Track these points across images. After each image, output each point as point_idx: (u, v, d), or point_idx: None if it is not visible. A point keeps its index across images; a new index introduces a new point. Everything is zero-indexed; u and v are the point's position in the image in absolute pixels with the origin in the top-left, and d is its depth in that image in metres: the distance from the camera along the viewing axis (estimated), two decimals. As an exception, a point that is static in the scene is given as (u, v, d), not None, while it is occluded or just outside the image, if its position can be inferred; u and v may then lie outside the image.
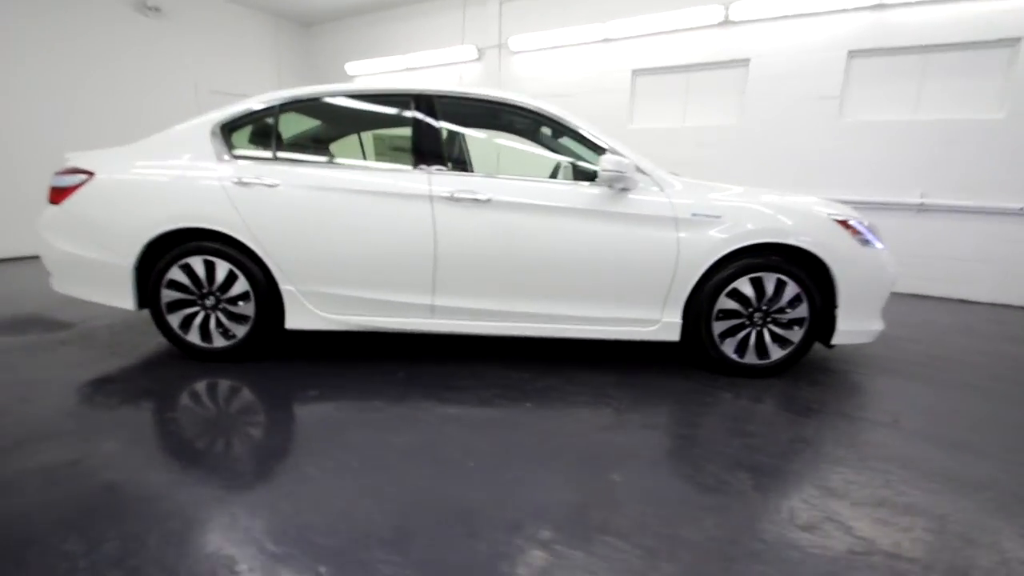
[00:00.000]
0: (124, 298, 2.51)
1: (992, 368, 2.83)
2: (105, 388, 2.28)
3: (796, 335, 2.49)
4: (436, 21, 7.17)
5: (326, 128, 2.97)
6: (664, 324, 2.48)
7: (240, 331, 2.53)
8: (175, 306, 2.50)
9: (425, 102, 2.50)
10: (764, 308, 2.46)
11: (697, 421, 2.13)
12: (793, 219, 2.42)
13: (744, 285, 2.43)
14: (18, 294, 4.05)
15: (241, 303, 2.49)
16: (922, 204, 4.57)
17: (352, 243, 2.41)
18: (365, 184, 2.40)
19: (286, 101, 2.57)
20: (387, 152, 4.08)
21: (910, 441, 1.99)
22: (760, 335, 2.50)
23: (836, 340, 2.49)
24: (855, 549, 1.38)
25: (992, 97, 4.22)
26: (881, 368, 2.79)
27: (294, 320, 2.51)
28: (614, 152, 2.42)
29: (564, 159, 2.96)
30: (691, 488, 1.64)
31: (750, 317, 2.48)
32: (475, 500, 1.54)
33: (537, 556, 1.31)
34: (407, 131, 2.61)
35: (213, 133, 2.51)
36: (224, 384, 2.36)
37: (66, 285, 2.60)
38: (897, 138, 4.60)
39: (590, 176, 2.51)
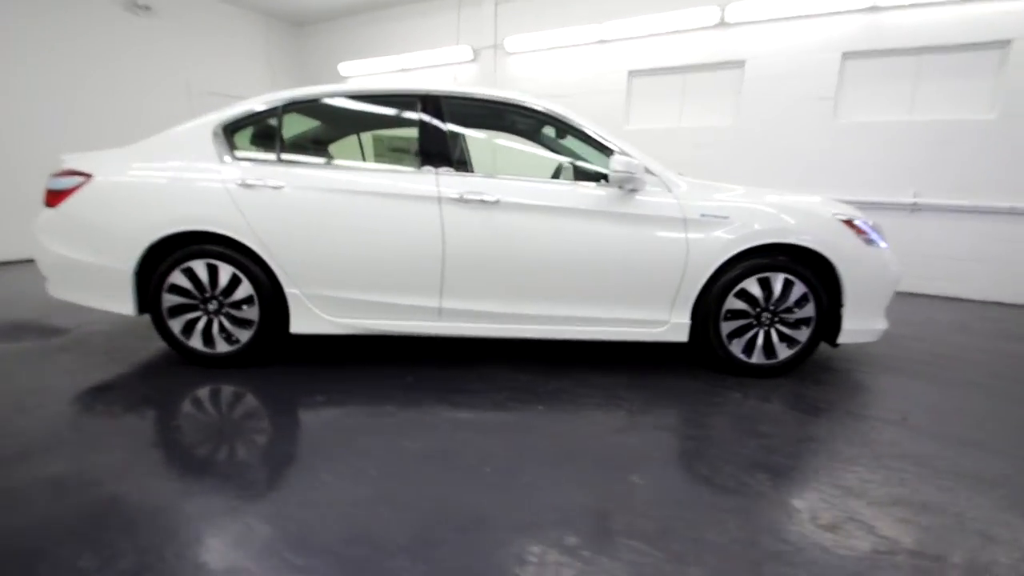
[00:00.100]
0: (124, 303, 2.45)
1: (993, 366, 2.88)
2: (106, 396, 2.22)
3: (803, 335, 2.51)
4: (431, 21, 7.13)
5: (331, 129, 2.93)
6: (673, 325, 2.48)
7: (244, 336, 2.48)
8: (177, 311, 2.45)
9: (432, 103, 2.48)
10: (772, 308, 2.47)
11: (710, 422, 2.14)
12: (799, 219, 2.43)
13: (752, 285, 2.44)
14: (11, 299, 3.95)
15: (245, 307, 2.44)
16: (915, 204, 4.64)
17: (359, 245, 2.38)
18: (373, 186, 2.37)
19: (289, 102, 2.53)
20: (386, 153, 4.05)
21: (919, 439, 2.01)
22: (768, 335, 2.52)
23: (842, 339, 2.51)
24: (879, 548, 1.38)
25: (984, 98, 4.29)
26: (884, 366, 2.82)
27: (299, 324, 2.47)
28: (623, 153, 2.42)
29: (566, 160, 2.96)
30: (711, 490, 1.64)
31: (758, 317, 2.49)
32: (495, 506, 1.52)
33: (565, 563, 1.29)
34: (413, 132, 2.58)
35: (215, 134, 2.46)
36: (229, 390, 2.31)
37: (63, 290, 2.53)
38: (891, 139, 4.66)
39: (593, 177, 2.51)
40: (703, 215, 2.38)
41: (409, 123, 2.58)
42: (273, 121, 2.52)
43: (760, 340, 2.52)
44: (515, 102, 2.56)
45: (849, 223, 2.47)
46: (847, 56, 4.74)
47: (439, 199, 2.35)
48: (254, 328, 2.47)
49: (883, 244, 2.53)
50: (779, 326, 2.50)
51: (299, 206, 2.36)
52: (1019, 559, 1.36)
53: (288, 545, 1.34)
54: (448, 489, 1.61)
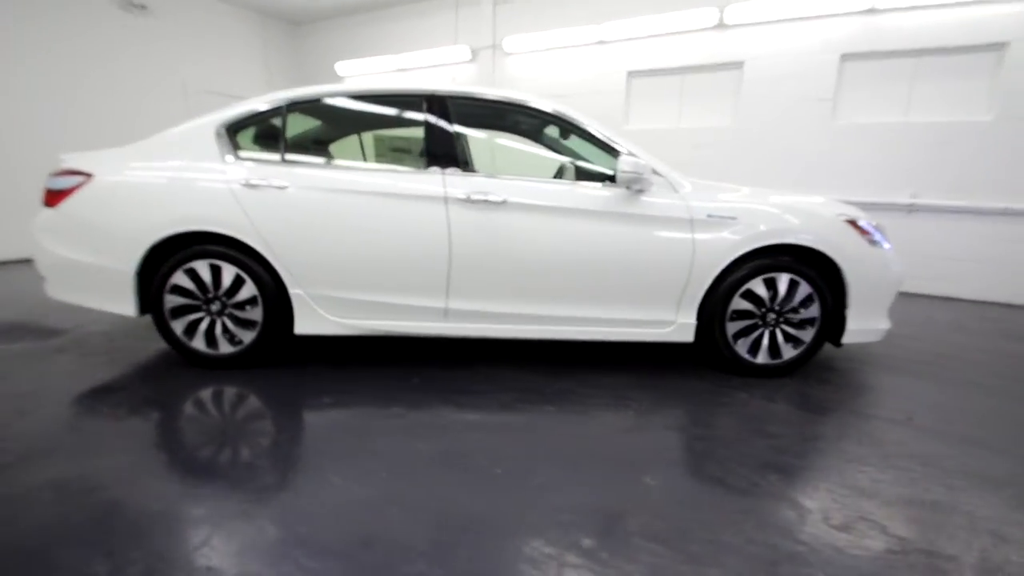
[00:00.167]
0: (125, 304, 2.41)
1: (993, 366, 2.90)
2: (108, 398, 2.19)
3: (808, 335, 2.52)
4: (429, 21, 7.11)
5: (335, 129, 2.91)
6: (679, 325, 2.49)
7: (247, 337, 2.46)
8: (179, 312, 2.42)
9: (438, 103, 2.46)
10: (777, 308, 2.48)
11: (718, 422, 2.14)
12: (804, 220, 2.44)
13: (758, 286, 2.45)
14: (7, 299, 3.89)
15: (248, 308, 2.42)
16: (912, 204, 4.68)
17: (365, 246, 2.36)
18: (379, 186, 2.35)
19: (293, 101, 2.50)
20: (387, 153, 4.03)
21: (925, 438, 2.02)
22: (773, 335, 2.53)
23: (846, 339, 2.52)
24: (893, 548, 1.39)
25: (981, 100, 4.34)
26: (885, 366, 2.84)
27: (303, 325, 2.45)
28: (630, 154, 2.42)
29: (567, 160, 2.96)
30: (724, 491, 1.64)
31: (763, 317, 2.50)
32: (509, 508, 1.51)
33: (583, 565, 1.29)
34: (415, 132, 2.57)
35: (218, 134, 2.44)
36: (235, 392, 2.29)
37: (62, 291, 2.49)
38: (888, 140, 4.70)
39: (596, 177, 2.52)
40: (710, 216, 2.39)
41: (414, 123, 2.56)
42: (277, 121, 2.50)
43: (766, 340, 2.53)
44: (522, 103, 2.55)
45: (853, 224, 2.48)
46: (845, 58, 4.78)
47: (445, 199, 2.33)
48: (257, 329, 2.45)
49: (886, 245, 2.55)
50: (784, 326, 2.51)
51: (304, 206, 2.34)
52: (1031, 558, 1.37)
53: (302, 549, 1.32)
54: (460, 491, 1.60)
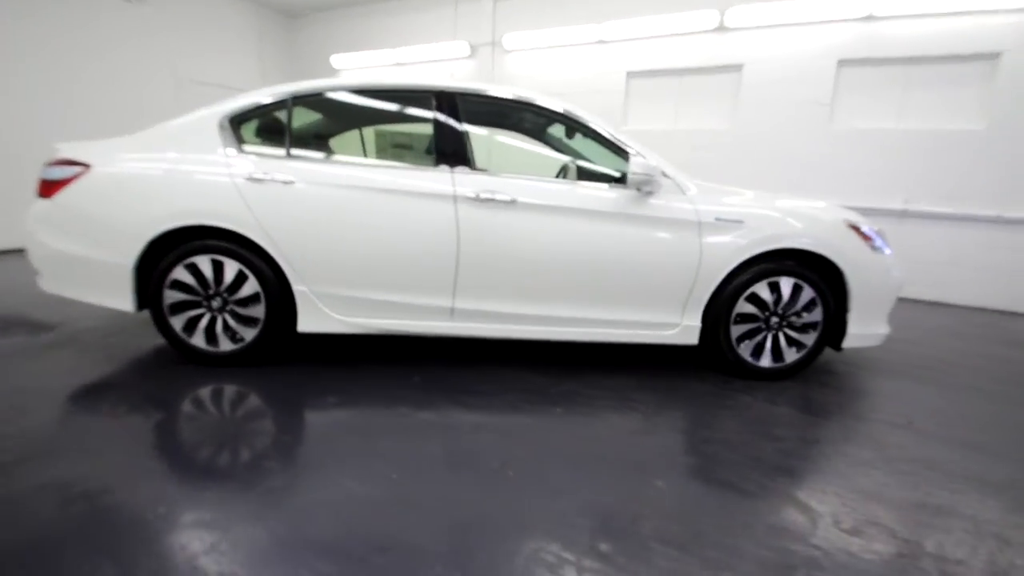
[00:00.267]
0: (122, 299, 2.36)
1: (989, 370, 2.97)
2: (107, 396, 2.13)
3: (810, 339, 2.55)
4: (427, 16, 7.04)
5: (341, 124, 2.86)
6: (684, 327, 2.50)
7: (249, 334, 2.41)
8: (178, 308, 2.37)
9: (448, 100, 2.44)
10: (780, 312, 2.51)
11: (724, 425, 2.15)
12: (809, 225, 2.47)
13: (762, 289, 2.47)
14: (-13, 292, 3.78)
15: (251, 305, 2.37)
16: (905, 210, 4.76)
17: (372, 243, 2.33)
18: (387, 183, 2.32)
19: (299, 94, 2.46)
20: (388, 148, 3.99)
21: (927, 443, 2.06)
22: (776, 339, 2.55)
23: (847, 343, 2.56)
24: (904, 552, 1.41)
25: (973, 109, 4.42)
26: (883, 370, 2.89)
27: (307, 323, 2.41)
28: (640, 156, 2.42)
29: (570, 160, 2.96)
30: (735, 494, 1.65)
31: (766, 321, 2.52)
32: (524, 511, 1.51)
33: (601, 570, 1.29)
34: (421, 128, 2.54)
35: (221, 126, 2.39)
36: (236, 391, 2.25)
37: (56, 285, 2.43)
38: (883, 146, 4.77)
39: (600, 178, 2.51)
40: (717, 219, 2.40)
41: (420, 119, 2.54)
42: (282, 114, 2.45)
43: (769, 344, 2.55)
44: (531, 101, 2.53)
45: (856, 229, 2.51)
46: (843, 63, 4.83)
47: (454, 198, 2.31)
48: (259, 326, 2.40)
49: (887, 250, 2.59)
50: (787, 330, 2.54)
51: (310, 202, 2.30)
52: (1036, 562, 1.40)
53: (315, 552, 1.30)
54: (473, 493, 1.59)
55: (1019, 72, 4.19)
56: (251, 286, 2.35)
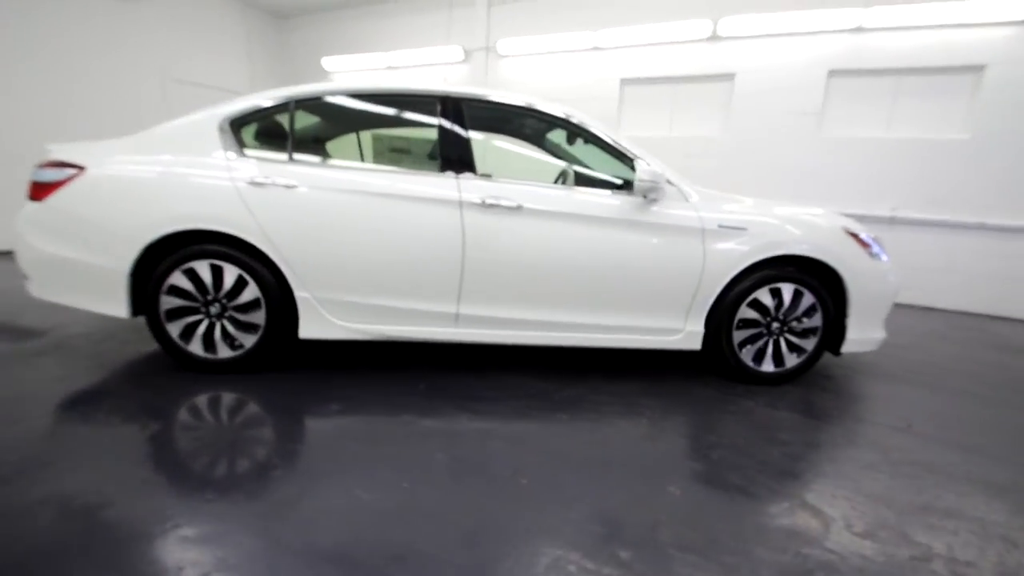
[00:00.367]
0: (116, 305, 2.29)
1: (981, 374, 3.04)
2: (101, 405, 2.07)
3: (810, 344, 2.58)
4: (421, 19, 7.04)
5: (342, 128, 2.83)
6: (687, 333, 2.51)
7: (248, 341, 2.37)
8: (175, 314, 2.31)
9: (453, 105, 2.43)
10: (781, 318, 2.53)
11: (730, 430, 2.16)
12: (811, 232, 2.50)
13: (764, 295, 2.49)
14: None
15: (251, 311, 2.33)
16: (893, 217, 4.87)
17: (375, 248, 2.30)
18: (392, 188, 2.30)
19: (301, 98, 2.43)
20: (386, 152, 3.96)
21: (928, 446, 2.09)
22: (777, 344, 2.58)
23: (845, 348, 2.60)
24: (916, 555, 1.42)
25: (959, 119, 4.55)
26: (878, 375, 2.93)
27: (309, 329, 2.37)
28: (645, 162, 2.43)
29: (569, 165, 2.97)
30: (747, 499, 1.65)
31: (768, 326, 2.55)
32: (541, 519, 1.49)
33: (622, 577, 1.28)
34: (422, 133, 2.53)
35: (220, 129, 2.34)
36: (236, 398, 2.20)
37: (47, 290, 2.35)
38: (871, 154, 4.88)
39: (599, 184, 2.53)
40: (720, 226, 2.42)
41: (425, 124, 2.52)
42: (284, 117, 2.41)
43: (770, 349, 2.57)
44: (535, 107, 2.53)
45: (855, 236, 2.56)
46: (832, 74, 4.94)
47: (460, 203, 2.30)
48: (260, 332, 2.36)
49: (884, 257, 2.64)
50: (788, 335, 2.57)
51: (313, 207, 2.27)
52: (1043, 563, 1.42)
53: (330, 564, 1.27)
54: (488, 501, 1.57)
55: (1003, 84, 4.33)
56: (251, 292, 2.31)
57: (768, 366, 2.60)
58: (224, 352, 2.37)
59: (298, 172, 2.29)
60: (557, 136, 2.95)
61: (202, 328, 2.34)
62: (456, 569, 1.28)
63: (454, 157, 2.38)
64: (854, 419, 2.32)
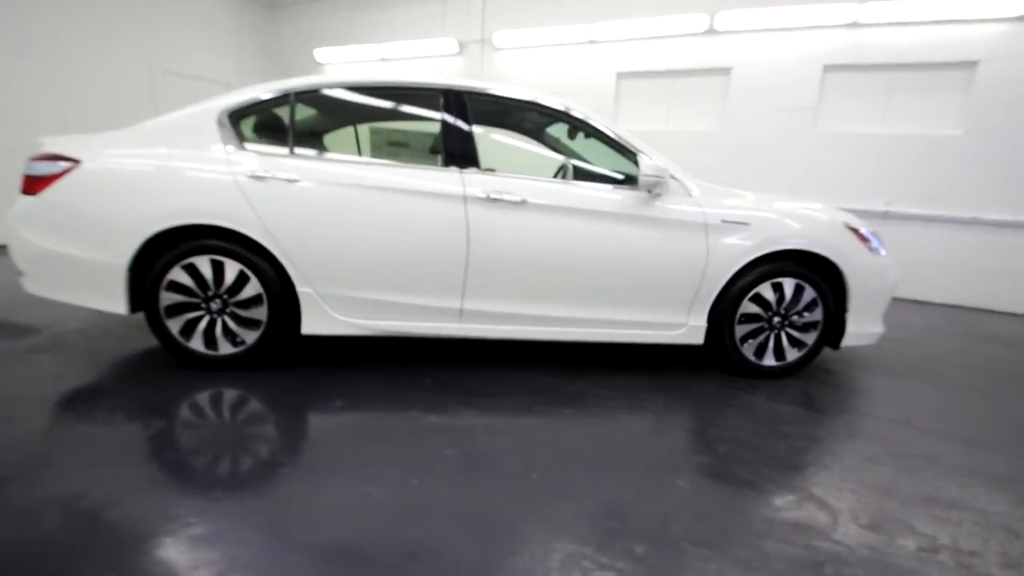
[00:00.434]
0: (115, 301, 2.25)
1: (978, 367, 3.09)
2: (101, 403, 2.03)
3: (811, 338, 2.60)
4: (415, 11, 6.95)
5: (342, 121, 2.79)
6: (690, 327, 2.52)
7: (250, 337, 2.34)
8: (176, 310, 2.28)
9: (456, 98, 2.40)
10: (783, 312, 2.55)
11: (734, 423, 2.18)
12: (812, 227, 2.52)
13: (766, 290, 2.51)
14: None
15: (252, 307, 2.30)
16: (887, 212, 4.92)
17: (379, 244, 2.28)
18: (396, 183, 2.27)
19: (301, 90, 2.39)
20: (383, 146, 3.92)
21: (928, 439, 2.12)
22: (778, 338, 2.60)
23: (845, 342, 2.62)
24: (923, 546, 1.45)
25: (952, 115, 4.60)
26: (876, 368, 2.97)
27: (311, 325, 2.35)
28: (648, 157, 2.42)
29: (565, 159, 2.96)
30: (754, 492, 1.67)
31: (769, 321, 2.57)
32: (553, 515, 1.49)
33: (639, 573, 1.28)
34: (422, 127, 2.50)
35: (219, 122, 2.30)
36: (239, 395, 2.17)
37: (43, 287, 2.30)
38: (866, 149, 4.92)
39: (599, 178, 2.53)
40: (724, 221, 2.43)
41: (427, 118, 2.50)
42: (283, 110, 2.38)
43: (772, 343, 2.59)
44: (538, 101, 2.51)
45: (855, 231, 2.58)
46: (828, 69, 4.96)
47: (464, 198, 2.28)
48: (261, 328, 2.33)
49: (883, 252, 2.66)
50: (789, 329, 2.59)
51: (316, 201, 2.24)
52: (1045, 552, 1.45)
53: (344, 562, 1.26)
54: (500, 497, 1.56)
55: (995, 81, 4.37)
56: (253, 287, 2.28)
57: (769, 360, 2.62)
58: (226, 348, 2.35)
59: (300, 166, 2.26)
60: (556, 130, 2.94)
61: (203, 324, 2.31)
62: (471, 566, 1.28)
63: (457, 152, 2.36)
64: (855, 412, 2.35)
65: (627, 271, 2.41)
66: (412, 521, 1.44)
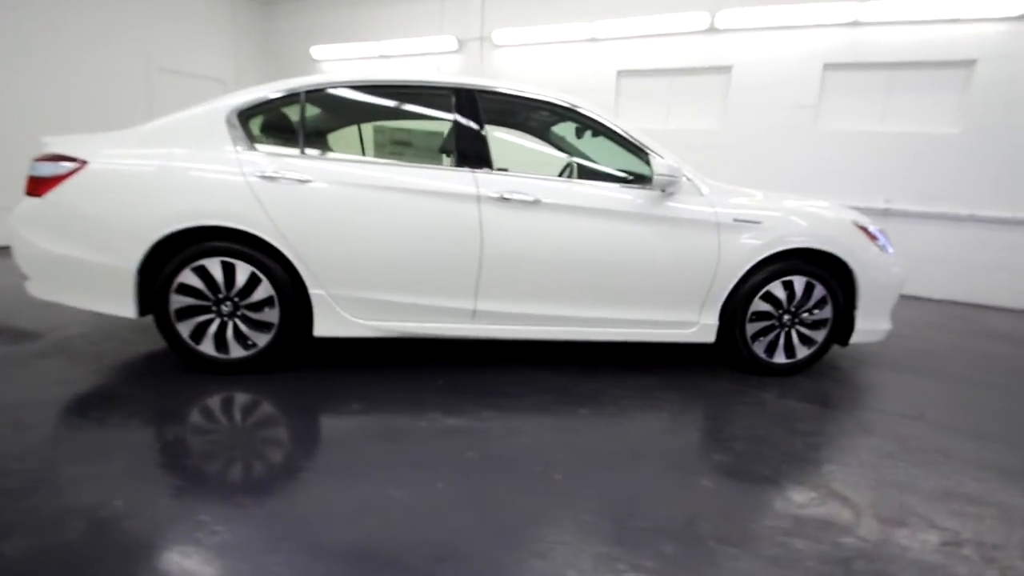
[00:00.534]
0: (123, 304, 2.22)
1: (982, 362, 3.14)
2: (114, 409, 2.00)
3: (820, 335, 2.62)
4: (413, 8, 6.91)
5: (354, 120, 2.77)
6: (702, 326, 2.53)
7: (262, 340, 2.31)
8: (186, 313, 2.25)
9: (467, 96, 2.38)
10: (793, 310, 2.57)
11: (749, 421, 2.19)
12: (821, 225, 2.54)
13: (776, 288, 2.52)
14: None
15: (264, 309, 2.27)
16: (887, 209, 4.96)
17: (392, 244, 2.26)
18: (409, 183, 2.25)
19: (311, 88, 2.36)
20: (387, 145, 3.89)
21: (941, 434, 2.15)
22: (788, 336, 2.61)
23: (854, 339, 2.64)
24: (947, 540, 1.46)
25: (951, 113, 4.64)
26: (883, 364, 3.00)
27: (324, 327, 2.33)
28: (660, 156, 2.42)
29: (568, 157, 2.96)
30: (776, 489, 1.68)
31: (779, 318, 2.58)
32: (580, 516, 1.49)
33: (669, 572, 1.28)
34: (428, 125, 2.48)
35: (229, 122, 2.27)
36: (252, 399, 2.15)
37: (49, 290, 2.26)
38: (865, 147, 4.96)
39: (605, 177, 2.54)
40: (736, 220, 2.43)
41: (438, 118, 2.48)
42: (293, 109, 2.35)
43: (782, 341, 2.61)
44: (547, 99, 2.50)
45: (863, 229, 2.60)
46: (828, 67, 4.99)
47: (478, 198, 2.27)
48: (273, 331, 2.30)
49: (890, 249, 2.69)
50: (799, 327, 2.60)
51: (328, 202, 2.22)
52: (1065, 545, 1.47)
53: (374, 566, 1.25)
54: (522, 498, 1.56)
55: (992, 79, 4.42)
56: (264, 289, 2.25)
57: (780, 357, 2.63)
58: (237, 352, 2.32)
59: (311, 166, 2.24)
60: (562, 128, 2.93)
61: (214, 327, 2.28)
62: (502, 568, 1.28)
63: (470, 151, 2.35)
64: (867, 408, 2.37)
65: (640, 270, 2.41)
66: (438, 523, 1.43)
